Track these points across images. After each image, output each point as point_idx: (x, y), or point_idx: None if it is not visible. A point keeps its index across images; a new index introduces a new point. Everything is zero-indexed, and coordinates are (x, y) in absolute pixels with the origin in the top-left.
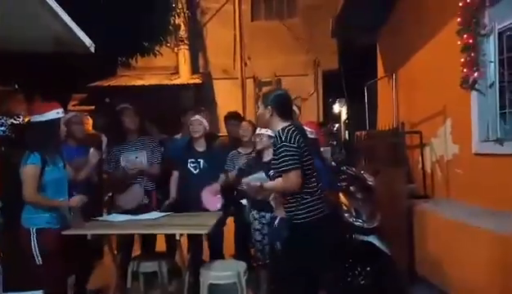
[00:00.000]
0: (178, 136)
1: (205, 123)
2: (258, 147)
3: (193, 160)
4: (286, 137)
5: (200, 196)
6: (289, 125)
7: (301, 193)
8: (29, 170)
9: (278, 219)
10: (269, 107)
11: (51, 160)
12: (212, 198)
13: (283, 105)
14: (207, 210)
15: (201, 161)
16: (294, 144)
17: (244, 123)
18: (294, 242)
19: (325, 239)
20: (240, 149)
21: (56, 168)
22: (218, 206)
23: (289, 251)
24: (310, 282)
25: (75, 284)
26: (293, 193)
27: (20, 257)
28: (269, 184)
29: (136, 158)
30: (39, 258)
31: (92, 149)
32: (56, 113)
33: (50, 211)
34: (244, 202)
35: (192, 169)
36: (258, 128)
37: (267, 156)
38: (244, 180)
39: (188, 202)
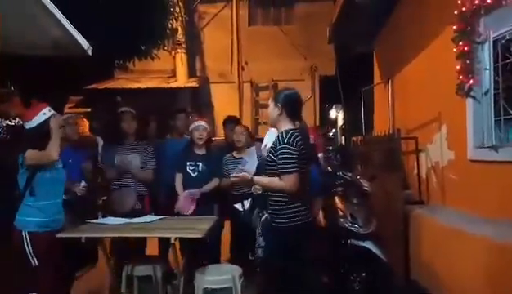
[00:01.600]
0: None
1: (208, 129)
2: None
3: (192, 163)
4: (289, 140)
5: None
6: (293, 128)
7: (288, 197)
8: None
9: (264, 216)
10: (279, 105)
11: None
12: (186, 203)
13: (292, 105)
14: (178, 213)
15: (200, 164)
16: (295, 148)
17: (238, 128)
18: (273, 244)
19: (303, 247)
20: (234, 154)
21: (53, 169)
22: (190, 211)
23: (269, 252)
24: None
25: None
26: (280, 197)
27: (15, 260)
28: (262, 179)
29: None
30: (34, 259)
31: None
32: (42, 114)
33: (43, 214)
34: (238, 206)
35: (191, 172)
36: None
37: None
38: (233, 174)
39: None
